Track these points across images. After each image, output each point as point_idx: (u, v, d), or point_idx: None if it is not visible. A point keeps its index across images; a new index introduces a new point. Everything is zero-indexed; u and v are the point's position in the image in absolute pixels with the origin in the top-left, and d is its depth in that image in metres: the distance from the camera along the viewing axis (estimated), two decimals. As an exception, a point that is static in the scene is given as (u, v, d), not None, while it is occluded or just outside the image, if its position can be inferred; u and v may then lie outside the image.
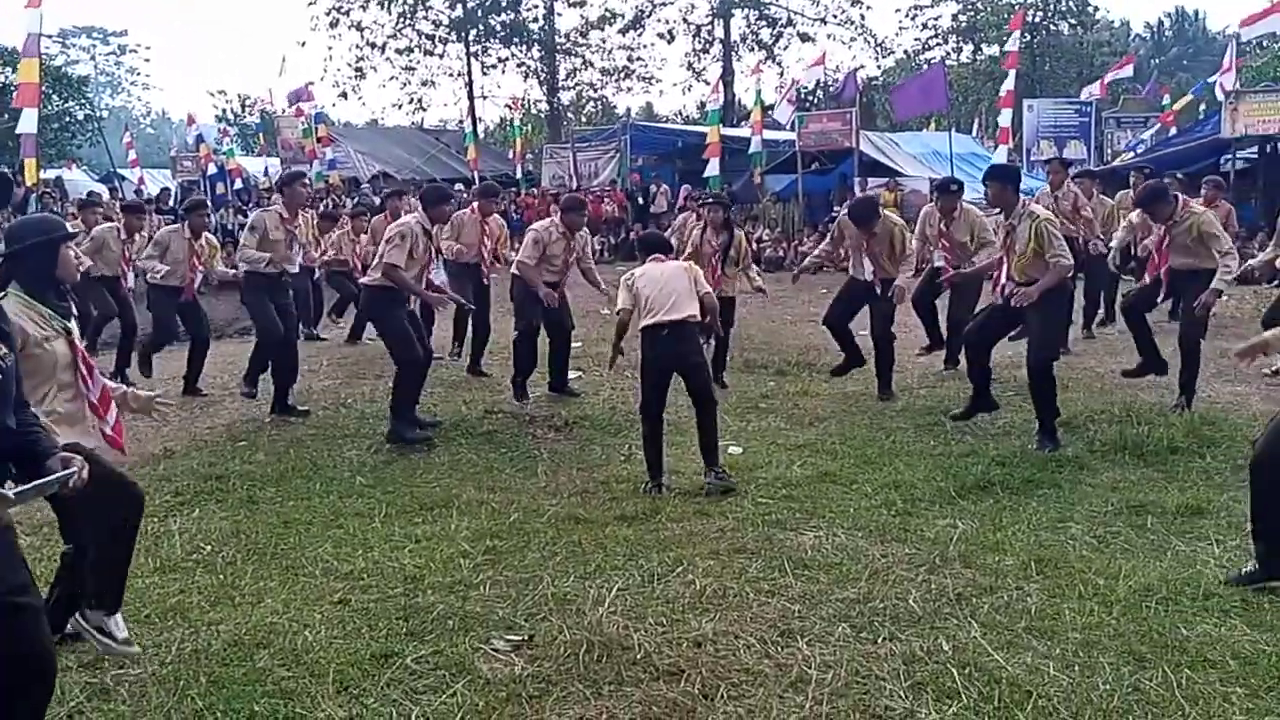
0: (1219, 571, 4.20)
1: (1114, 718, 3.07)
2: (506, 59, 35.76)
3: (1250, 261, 8.56)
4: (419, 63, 35.42)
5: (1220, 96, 18.73)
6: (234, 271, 7.99)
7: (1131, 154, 20.88)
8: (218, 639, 3.75)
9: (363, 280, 7.17)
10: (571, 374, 8.28)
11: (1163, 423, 6.47)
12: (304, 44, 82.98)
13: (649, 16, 35.58)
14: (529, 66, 36.17)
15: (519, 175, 24.97)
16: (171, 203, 19.94)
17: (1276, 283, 7.87)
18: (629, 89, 38.37)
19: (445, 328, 9.69)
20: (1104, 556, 4.45)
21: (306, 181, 8.08)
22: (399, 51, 35.11)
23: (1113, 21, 42.01)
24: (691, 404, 5.79)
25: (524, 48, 35.71)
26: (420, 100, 36.17)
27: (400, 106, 36.95)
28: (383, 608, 4.05)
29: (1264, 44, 24.68)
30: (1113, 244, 8.69)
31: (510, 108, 26.95)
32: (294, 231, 7.59)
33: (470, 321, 8.97)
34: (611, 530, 4.95)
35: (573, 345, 8.37)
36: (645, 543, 4.75)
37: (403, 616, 3.96)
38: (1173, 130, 21.58)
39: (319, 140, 23.35)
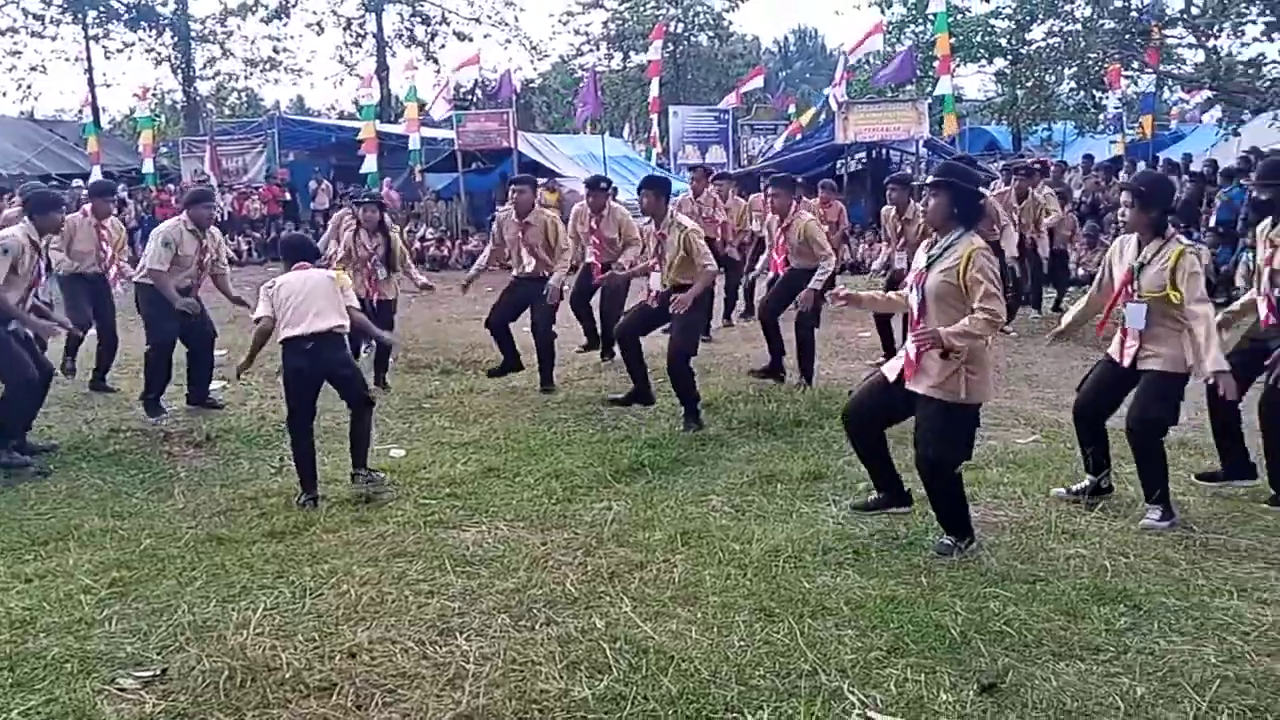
0: (836, 528, 4.69)
1: (747, 670, 3.33)
2: (133, 44, 32.63)
3: (876, 263, 9.66)
4: (26, 45, 31.45)
5: (834, 107, 20.94)
6: None
7: (763, 159, 22.84)
8: None
9: None
10: (215, 384, 7.69)
11: (789, 399, 7.16)
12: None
13: (295, 6, 33.95)
14: (160, 53, 33.24)
15: (150, 170, 22.80)
16: None
17: (885, 274, 8.97)
18: (276, 80, 36.39)
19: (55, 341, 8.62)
20: (740, 524, 4.82)
21: None
22: (1, 33, 30.96)
23: (745, 36, 45.67)
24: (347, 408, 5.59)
25: (154, 33, 32.74)
26: (30, 87, 32.14)
27: (6, 94, 32.66)
28: (-19, 660, 3.53)
29: (869, 60, 27.91)
30: (760, 264, 9.34)
31: (139, 97, 24.52)
32: None
33: (96, 334, 8.04)
34: (259, 548, 4.65)
35: (217, 354, 7.78)
36: (297, 557, 4.51)
37: (8, 666, 3.48)
38: (799, 137, 23.84)
39: (-104, 130, 19.97)
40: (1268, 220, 5.06)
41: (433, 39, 35.69)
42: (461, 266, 17.71)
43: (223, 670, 3.38)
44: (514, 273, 7.92)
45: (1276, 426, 4.96)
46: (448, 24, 35.62)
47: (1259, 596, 3.86)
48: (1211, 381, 4.46)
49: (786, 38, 68.80)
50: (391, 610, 3.89)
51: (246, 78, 35.92)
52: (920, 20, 24.91)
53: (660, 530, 4.70)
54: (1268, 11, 14.98)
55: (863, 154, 20.57)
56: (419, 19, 35.41)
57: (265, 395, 7.58)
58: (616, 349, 8.00)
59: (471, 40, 35.28)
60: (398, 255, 8.27)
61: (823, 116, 24.30)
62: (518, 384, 8.04)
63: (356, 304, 5.60)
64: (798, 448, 6.17)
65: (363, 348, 8.19)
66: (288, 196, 21.44)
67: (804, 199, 10.44)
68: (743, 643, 3.52)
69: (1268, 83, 15.46)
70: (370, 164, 19.99)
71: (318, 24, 34.85)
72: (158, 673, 3.43)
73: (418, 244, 18.46)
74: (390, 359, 8.28)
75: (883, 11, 26.57)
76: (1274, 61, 15.91)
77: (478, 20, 35.69)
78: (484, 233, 17.75)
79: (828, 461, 5.78)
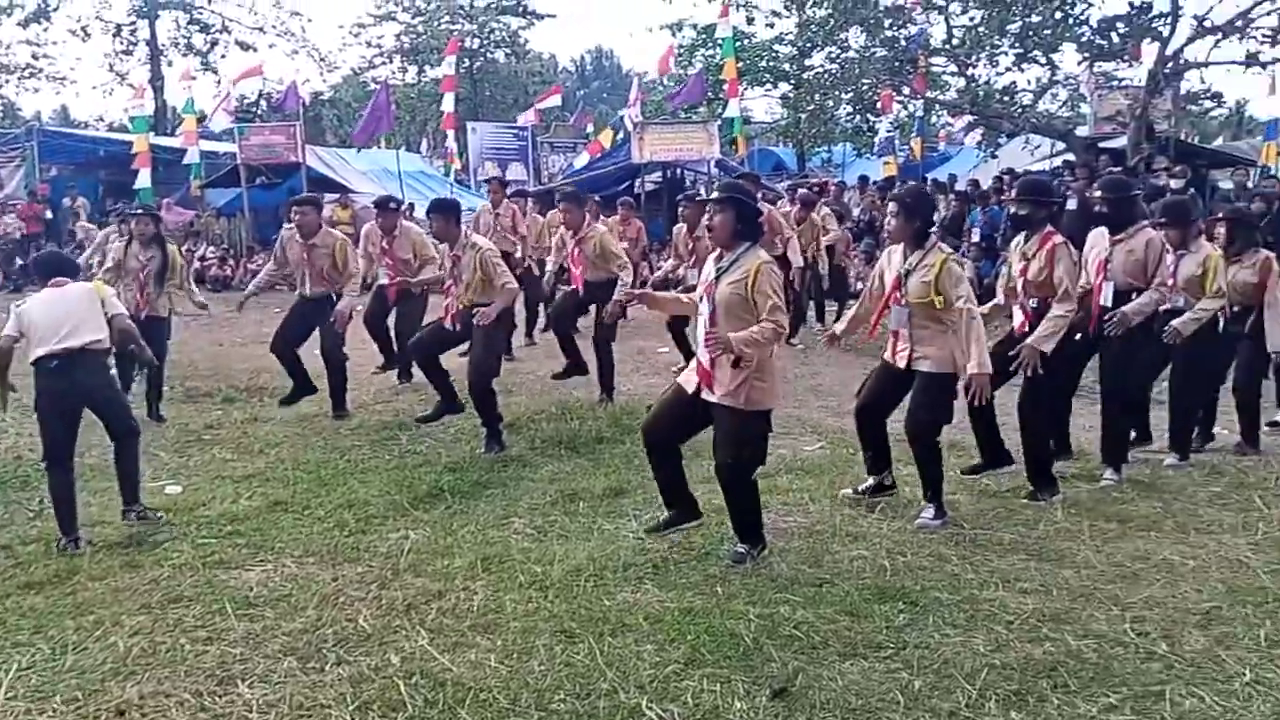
0: (637, 543, 4.73)
1: (546, 695, 3.31)
2: None
3: (655, 276, 9.89)
4: None
5: (630, 127, 21.33)
6: None
7: (563, 177, 22.97)
8: None
9: None
10: (-40, 422, 6.95)
11: (591, 416, 7.21)
12: None
13: (55, 10, 31.42)
14: (-104, 57, 30.01)
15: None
16: None
17: (680, 288, 9.21)
18: (36, 89, 33.45)
19: None
20: (543, 545, 4.79)
21: None
22: None
23: (541, 54, 45.81)
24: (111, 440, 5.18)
25: (-113, 34, 29.50)
26: None
27: None
28: None
29: (663, 82, 28.62)
30: (549, 268, 9.25)
31: None
32: None
33: None
34: (14, 601, 4.25)
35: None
36: (58, 609, 4.14)
37: None
38: (599, 156, 24.11)
39: None
40: (1022, 234, 5.52)
41: (212, 48, 33.85)
42: (246, 286, 16.86)
43: (-36, 744, 3.05)
44: (299, 294, 7.60)
45: (1032, 425, 5.41)
46: (229, 33, 33.89)
47: (1021, 586, 4.17)
48: (967, 383, 4.80)
49: (584, 57, 69.70)
50: (165, 661, 3.63)
51: (1, 86, 32.94)
52: (710, 44, 25.84)
53: (460, 557, 4.60)
54: (1017, 44, 16.40)
55: (659, 173, 21.03)
56: (197, 27, 33.51)
57: (21, 431, 6.90)
58: (416, 372, 7.82)
59: (255, 50, 33.73)
60: (175, 269, 7.76)
61: (620, 136, 24.77)
62: (308, 410, 7.70)
63: (123, 311, 5.20)
64: (600, 464, 6.20)
65: (134, 380, 7.62)
66: (50, 214, 19.73)
67: (602, 217, 10.61)
68: (543, 667, 3.49)
69: (1019, 109, 16.91)
70: (144, 179, 18.72)
71: (82, 29, 32.39)
72: (-116, 754, 3.05)
73: (198, 263, 17.40)
74: (163, 387, 7.74)
75: (674, 35, 27.42)
76: (1024, 90, 17.44)
77: (261, 30, 34.10)
78: (269, 250, 16.96)
79: (629, 476, 5.84)
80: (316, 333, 7.57)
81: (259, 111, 30.22)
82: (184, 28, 33.33)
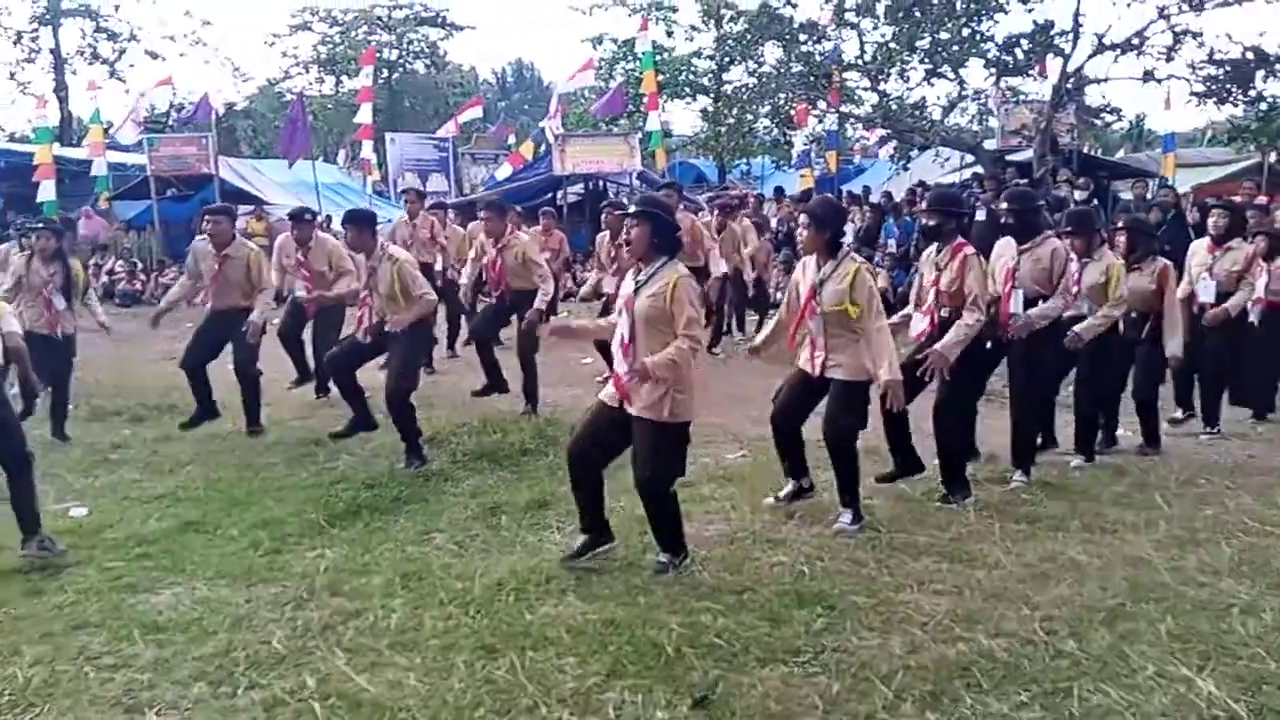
0: (560, 555, 4.70)
1: (466, 712, 3.27)
2: None
3: (583, 290, 9.91)
4: None
5: (551, 139, 21.32)
6: None
7: (485, 188, 22.84)
8: None
9: None
10: None
11: (515, 428, 7.15)
12: None
13: (-50, 16, 30.22)
14: None
15: None
16: None
17: (600, 299, 9.27)
18: (-71, 98, 32.11)
19: None
20: (464, 560, 4.74)
21: None
22: None
23: (461, 66, 45.49)
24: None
25: None
26: None
27: None
28: None
29: (585, 94, 28.68)
30: (464, 280, 8.94)
31: None
32: None
33: None
34: (-97, 633, 4.04)
35: None
36: (-49, 640, 3.95)
37: None
38: (521, 167, 24.02)
39: None
40: (934, 245, 5.65)
41: (120, 56, 32.92)
42: (157, 301, 16.38)
43: None
44: (210, 307, 7.42)
45: (946, 431, 5.54)
46: (137, 41, 33.00)
47: (934, 588, 4.26)
48: (882, 391, 4.92)
49: (505, 69, 69.39)
50: (68, 691, 3.50)
51: (-108, 94, 31.60)
52: (630, 58, 26.01)
53: (378, 575, 4.53)
54: (926, 60, 16.86)
55: (581, 185, 21.06)
56: (104, 35, 32.54)
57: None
58: (332, 386, 7.67)
59: (165, 60, 32.91)
60: (78, 285, 7.53)
61: (542, 148, 24.74)
62: (220, 428, 7.50)
63: (17, 330, 5.02)
64: (523, 477, 6.16)
65: (39, 398, 7.35)
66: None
67: (525, 227, 10.57)
68: (463, 684, 3.45)
69: (930, 123, 17.38)
70: (47, 191, 18.09)
71: (-20, 36, 31.22)
72: None
73: (106, 277, 16.88)
74: (69, 406, 7.47)
75: (594, 48, 27.55)
76: (935, 104, 17.94)
77: (172, 38, 33.28)
78: (181, 264, 16.50)
79: (553, 488, 5.79)
80: (229, 347, 7.39)
81: (169, 122, 29.45)
82: (90, 36, 32.37)
